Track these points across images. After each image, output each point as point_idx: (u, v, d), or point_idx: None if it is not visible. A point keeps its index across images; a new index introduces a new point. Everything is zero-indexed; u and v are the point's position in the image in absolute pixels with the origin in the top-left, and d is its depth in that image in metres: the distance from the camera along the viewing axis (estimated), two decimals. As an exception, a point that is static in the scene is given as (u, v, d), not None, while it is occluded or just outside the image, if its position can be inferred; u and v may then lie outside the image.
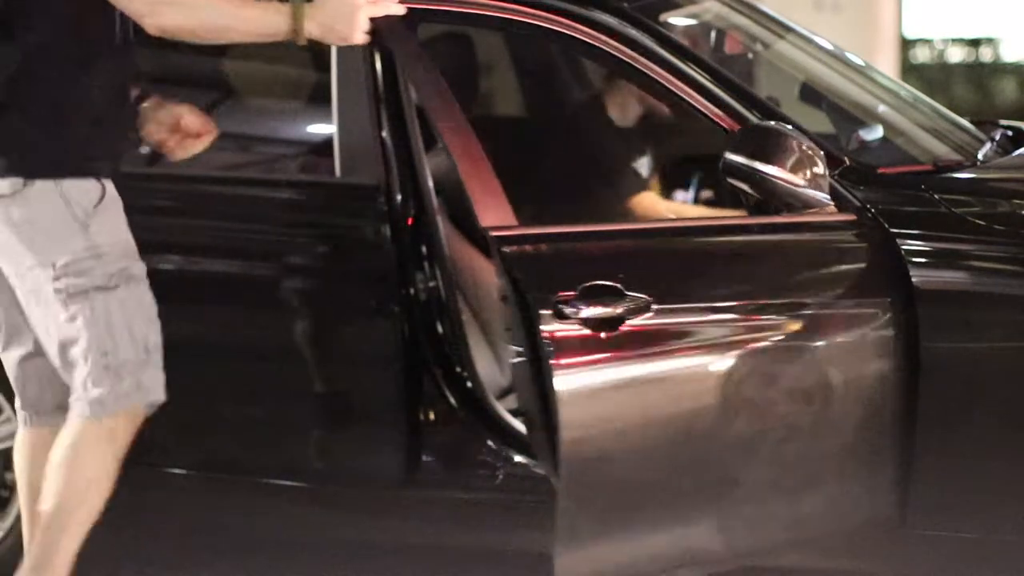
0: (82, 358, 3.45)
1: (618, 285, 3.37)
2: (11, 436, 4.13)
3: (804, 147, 3.55)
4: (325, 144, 4.02)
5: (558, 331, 3.31)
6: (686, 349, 3.45)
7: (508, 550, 4.04)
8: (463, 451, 3.96)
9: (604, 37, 3.83)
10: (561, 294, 3.33)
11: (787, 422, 3.50)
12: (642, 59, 3.81)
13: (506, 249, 3.35)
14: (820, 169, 3.56)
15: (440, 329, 4.06)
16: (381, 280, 3.91)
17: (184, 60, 4.39)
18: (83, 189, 3.43)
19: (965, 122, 4.52)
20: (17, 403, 3.68)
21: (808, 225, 3.62)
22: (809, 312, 3.54)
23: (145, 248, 4.03)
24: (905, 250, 3.57)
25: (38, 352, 3.57)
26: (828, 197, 3.59)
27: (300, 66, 4.31)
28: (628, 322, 3.36)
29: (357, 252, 3.97)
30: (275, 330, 3.98)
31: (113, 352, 3.43)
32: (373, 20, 3.45)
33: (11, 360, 3.64)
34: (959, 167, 4.00)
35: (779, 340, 3.53)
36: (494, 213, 3.38)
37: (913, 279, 3.55)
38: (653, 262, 3.54)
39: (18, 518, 4.11)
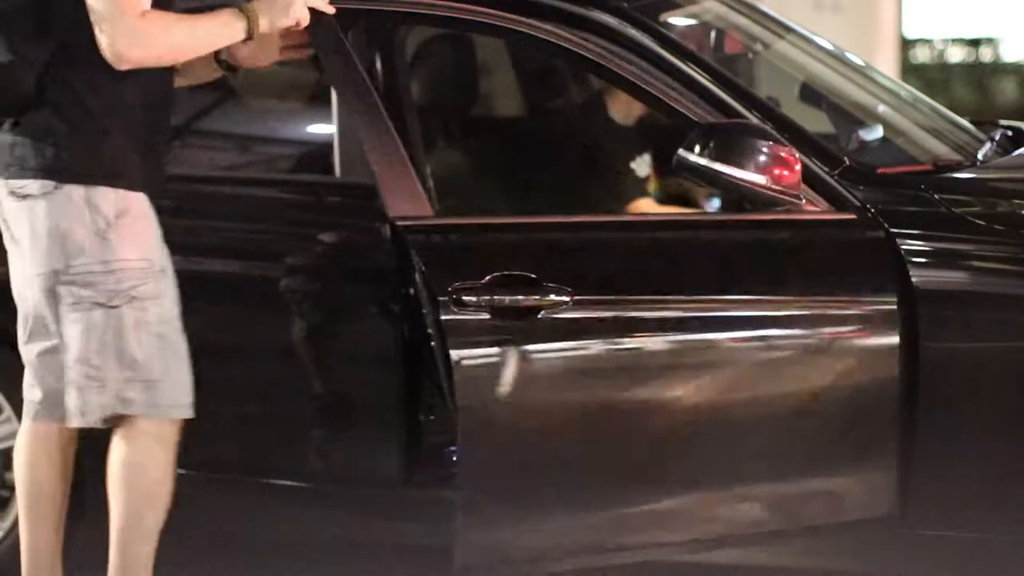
0: (71, 365, 3.52)
1: (533, 275, 3.45)
2: (11, 436, 4.14)
3: (769, 147, 3.54)
4: (325, 144, 4.02)
5: (455, 319, 3.40)
6: (601, 343, 3.51)
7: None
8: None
9: (564, 33, 3.82)
10: (461, 283, 3.42)
11: (722, 419, 3.54)
12: (633, 62, 3.80)
13: (412, 238, 3.47)
14: (789, 167, 3.55)
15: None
16: (381, 280, 3.90)
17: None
18: (109, 199, 3.47)
19: (965, 122, 4.52)
20: (29, 396, 3.69)
21: (807, 224, 3.62)
22: (799, 311, 3.57)
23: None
24: (905, 250, 3.57)
25: (62, 348, 3.60)
26: (799, 196, 3.58)
27: (300, 66, 4.31)
28: (545, 313, 3.44)
29: (357, 252, 3.97)
30: (275, 330, 3.97)
31: (100, 367, 3.50)
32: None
33: (31, 353, 3.67)
34: (959, 167, 4.00)
35: (750, 338, 3.55)
36: (406, 203, 3.44)
37: (913, 279, 3.55)
38: (574, 256, 3.60)
39: (18, 519, 4.12)
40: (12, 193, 3.51)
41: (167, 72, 3.58)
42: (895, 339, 3.55)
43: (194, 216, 4.08)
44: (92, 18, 3.39)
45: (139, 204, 3.51)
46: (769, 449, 3.57)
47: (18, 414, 4.12)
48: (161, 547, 3.69)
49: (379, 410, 3.92)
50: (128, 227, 3.48)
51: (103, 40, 3.39)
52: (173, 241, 4.01)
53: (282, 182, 4.24)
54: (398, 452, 3.89)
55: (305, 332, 3.96)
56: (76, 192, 3.45)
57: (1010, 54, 12.07)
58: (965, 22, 12.00)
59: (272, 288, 3.96)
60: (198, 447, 4.10)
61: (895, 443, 3.57)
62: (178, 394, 3.56)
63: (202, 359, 3.91)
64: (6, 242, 3.61)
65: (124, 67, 3.41)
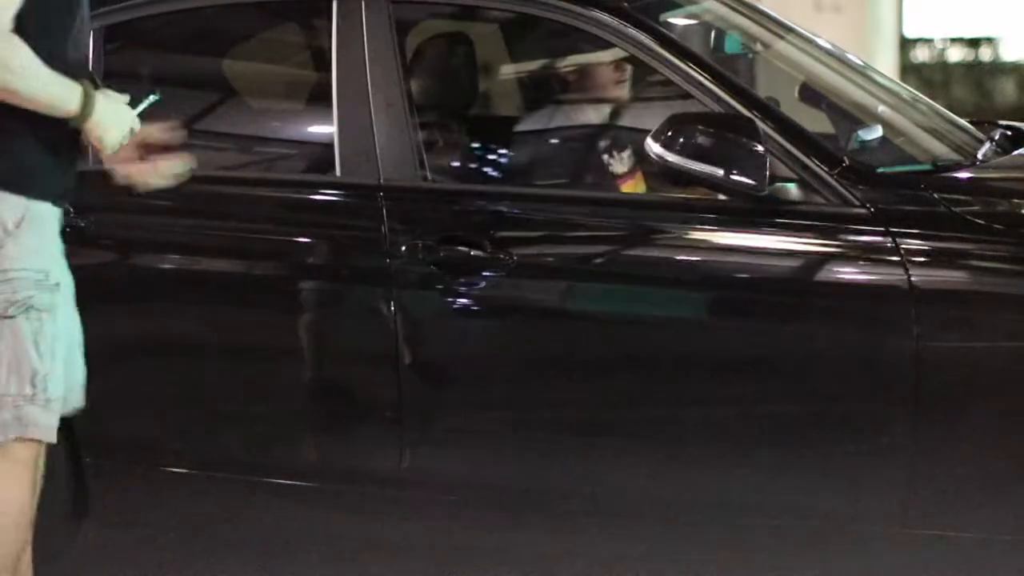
0: None
1: (481, 239, 3.72)
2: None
3: (729, 136, 3.55)
4: (325, 144, 4.02)
5: (410, 270, 3.76)
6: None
7: (508, 550, 4.04)
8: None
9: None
10: (418, 240, 3.75)
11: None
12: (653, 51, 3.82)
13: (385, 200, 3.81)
14: (754, 158, 3.55)
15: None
16: (381, 280, 3.91)
17: (185, 61, 4.40)
18: (7, 206, 3.26)
19: (965, 122, 4.52)
20: None
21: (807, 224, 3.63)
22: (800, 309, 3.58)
23: (144, 248, 4.03)
24: (905, 249, 3.57)
25: None
26: (756, 182, 3.58)
27: (301, 67, 4.31)
28: (485, 272, 3.74)
29: (357, 252, 3.97)
30: (275, 330, 3.97)
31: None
32: None
33: None
34: (959, 167, 4.00)
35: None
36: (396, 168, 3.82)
37: (913, 279, 3.55)
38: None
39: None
40: None
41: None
42: (895, 339, 3.55)
43: (195, 216, 4.08)
44: None
45: (36, 211, 3.29)
46: (762, 448, 3.57)
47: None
48: (163, 547, 3.69)
49: (379, 409, 3.92)
50: (27, 235, 3.26)
51: None
52: (174, 241, 4.03)
53: (284, 182, 4.24)
54: (398, 452, 3.89)
55: (307, 332, 3.96)
56: None
57: (1010, 54, 12.08)
58: (965, 22, 12.01)
59: (275, 288, 3.96)
60: (198, 447, 4.12)
61: (895, 442, 3.58)
62: (55, 416, 3.30)
63: (203, 358, 3.93)
64: None
65: None
